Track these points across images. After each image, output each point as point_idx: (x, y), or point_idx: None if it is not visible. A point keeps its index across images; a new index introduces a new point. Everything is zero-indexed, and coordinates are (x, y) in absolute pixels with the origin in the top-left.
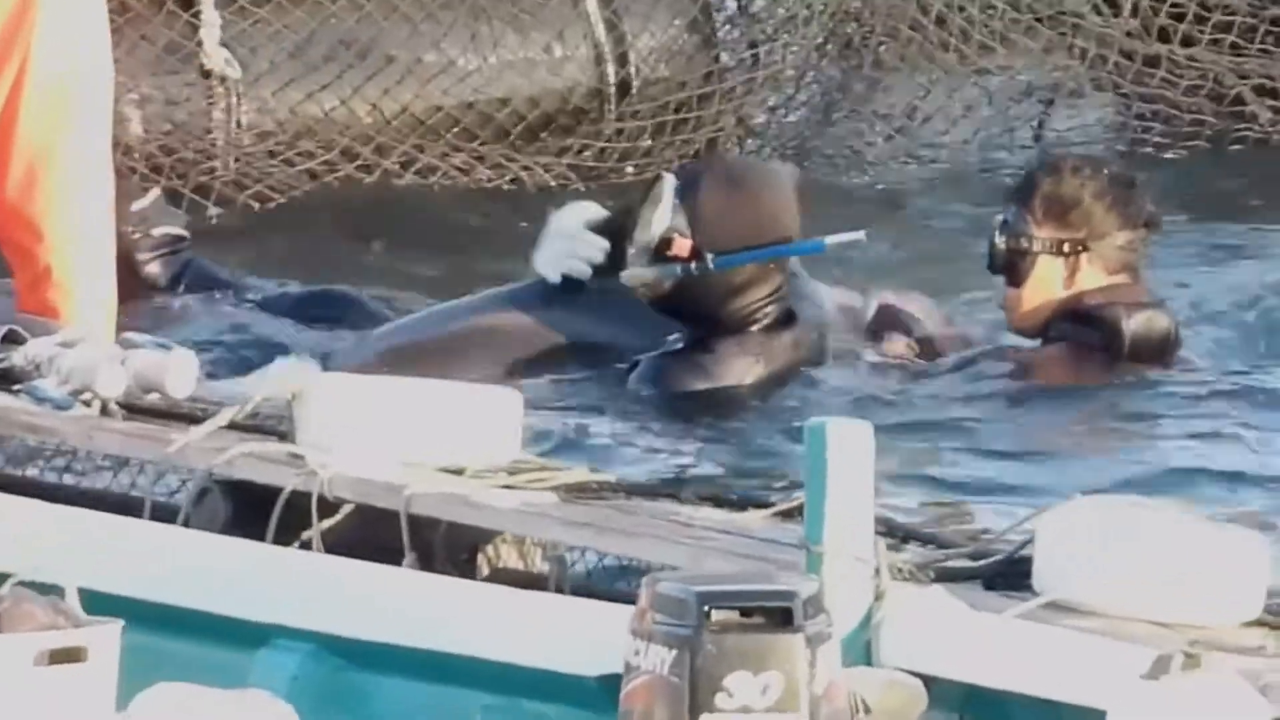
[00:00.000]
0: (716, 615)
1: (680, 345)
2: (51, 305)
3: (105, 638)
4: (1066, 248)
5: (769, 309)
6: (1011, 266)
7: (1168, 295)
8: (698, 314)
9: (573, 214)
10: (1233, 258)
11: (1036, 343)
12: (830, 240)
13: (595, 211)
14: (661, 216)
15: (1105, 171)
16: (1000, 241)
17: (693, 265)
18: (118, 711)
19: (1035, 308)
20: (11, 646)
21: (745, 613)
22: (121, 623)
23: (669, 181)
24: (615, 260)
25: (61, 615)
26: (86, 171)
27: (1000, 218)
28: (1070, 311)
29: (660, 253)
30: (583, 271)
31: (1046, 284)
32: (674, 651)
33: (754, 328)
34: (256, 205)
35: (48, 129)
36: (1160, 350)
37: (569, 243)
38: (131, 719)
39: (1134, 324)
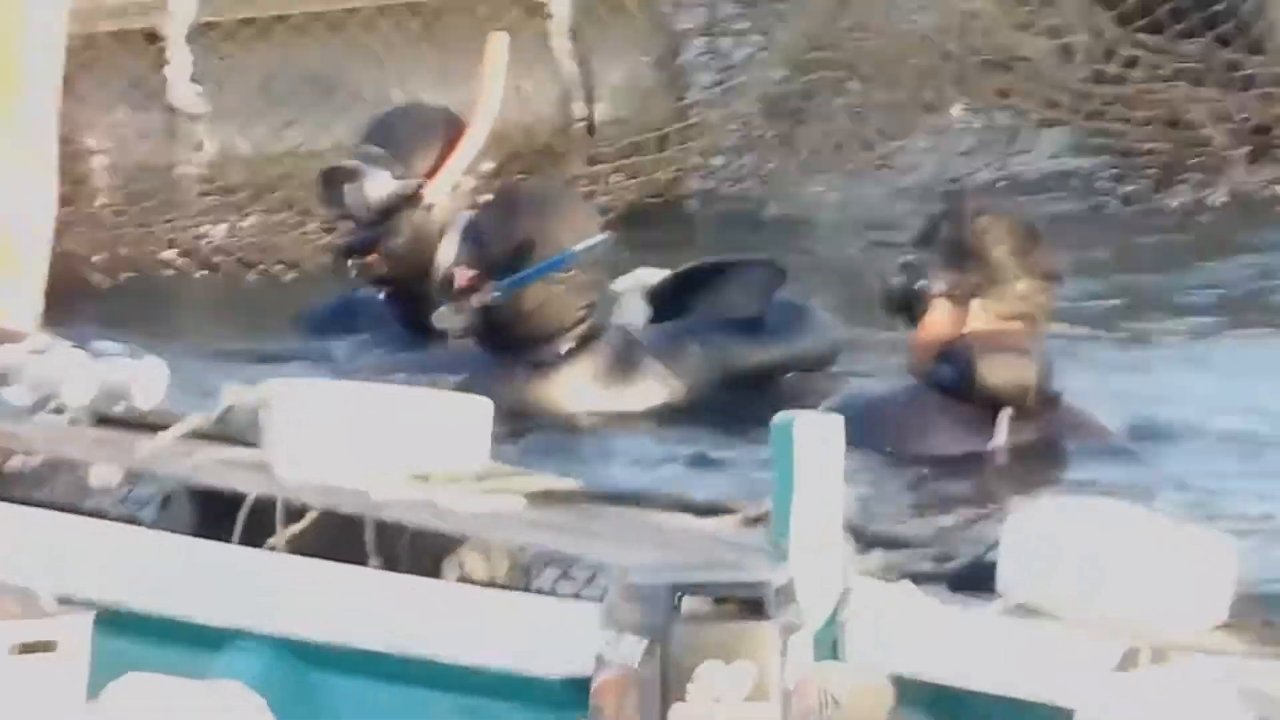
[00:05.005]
0: (688, 604)
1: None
2: None
3: (76, 629)
4: (959, 292)
5: (575, 329)
6: (907, 307)
7: None
8: (505, 343)
9: (626, 280)
10: None
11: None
12: (579, 248)
13: (648, 276)
14: (445, 252)
15: (1009, 218)
16: (895, 282)
17: (474, 296)
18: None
19: (925, 350)
20: None
21: (717, 602)
22: (93, 613)
23: (460, 217)
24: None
25: (32, 605)
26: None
27: (901, 259)
28: (945, 353)
29: (448, 289)
30: (636, 326)
31: (937, 326)
32: (645, 642)
33: (561, 349)
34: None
35: None
36: (1016, 396)
37: (621, 303)
38: (104, 707)
39: (988, 365)
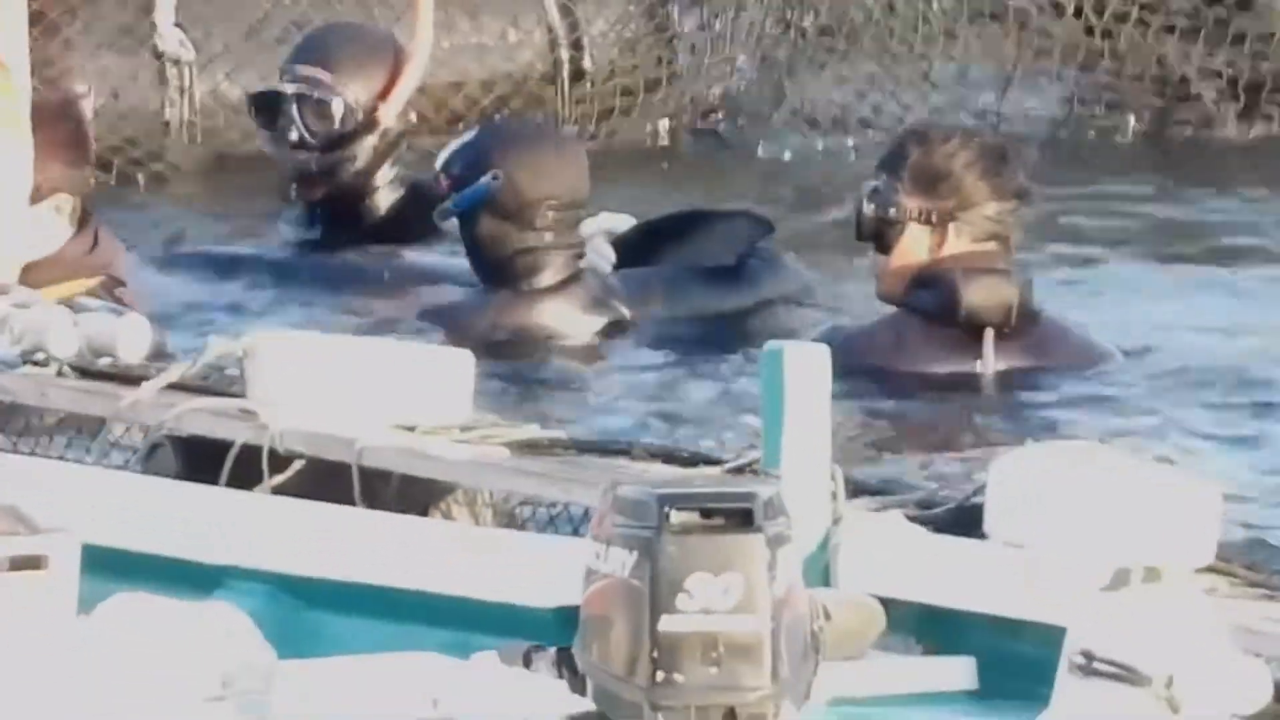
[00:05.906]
0: (676, 517)
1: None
2: None
3: (64, 546)
4: (934, 217)
5: (540, 267)
6: (880, 234)
7: None
8: (477, 262)
9: (594, 222)
10: None
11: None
12: (485, 181)
13: (612, 222)
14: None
15: (976, 141)
16: (869, 209)
17: (445, 202)
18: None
19: (900, 275)
20: None
21: (706, 515)
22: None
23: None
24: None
25: (21, 523)
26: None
27: (869, 185)
28: (923, 278)
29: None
30: (601, 267)
31: (913, 252)
32: (634, 554)
33: (527, 283)
34: None
35: None
36: (1000, 316)
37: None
38: (95, 622)
39: (971, 288)
